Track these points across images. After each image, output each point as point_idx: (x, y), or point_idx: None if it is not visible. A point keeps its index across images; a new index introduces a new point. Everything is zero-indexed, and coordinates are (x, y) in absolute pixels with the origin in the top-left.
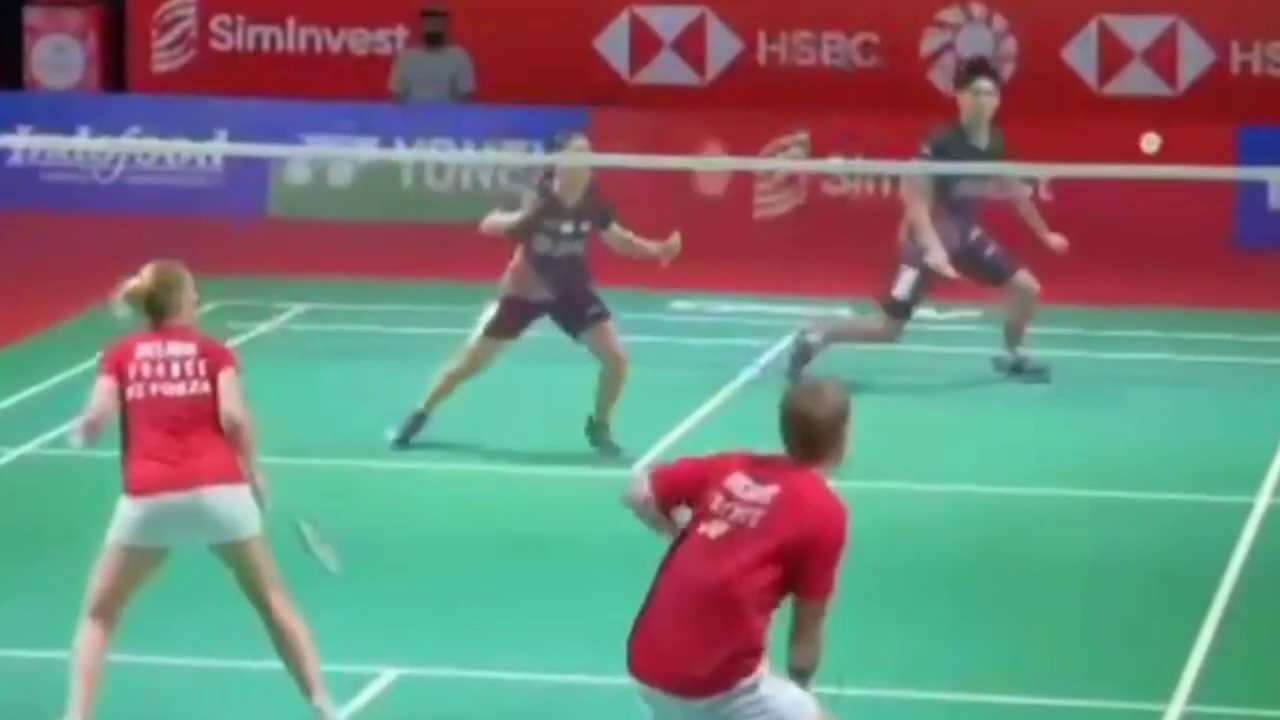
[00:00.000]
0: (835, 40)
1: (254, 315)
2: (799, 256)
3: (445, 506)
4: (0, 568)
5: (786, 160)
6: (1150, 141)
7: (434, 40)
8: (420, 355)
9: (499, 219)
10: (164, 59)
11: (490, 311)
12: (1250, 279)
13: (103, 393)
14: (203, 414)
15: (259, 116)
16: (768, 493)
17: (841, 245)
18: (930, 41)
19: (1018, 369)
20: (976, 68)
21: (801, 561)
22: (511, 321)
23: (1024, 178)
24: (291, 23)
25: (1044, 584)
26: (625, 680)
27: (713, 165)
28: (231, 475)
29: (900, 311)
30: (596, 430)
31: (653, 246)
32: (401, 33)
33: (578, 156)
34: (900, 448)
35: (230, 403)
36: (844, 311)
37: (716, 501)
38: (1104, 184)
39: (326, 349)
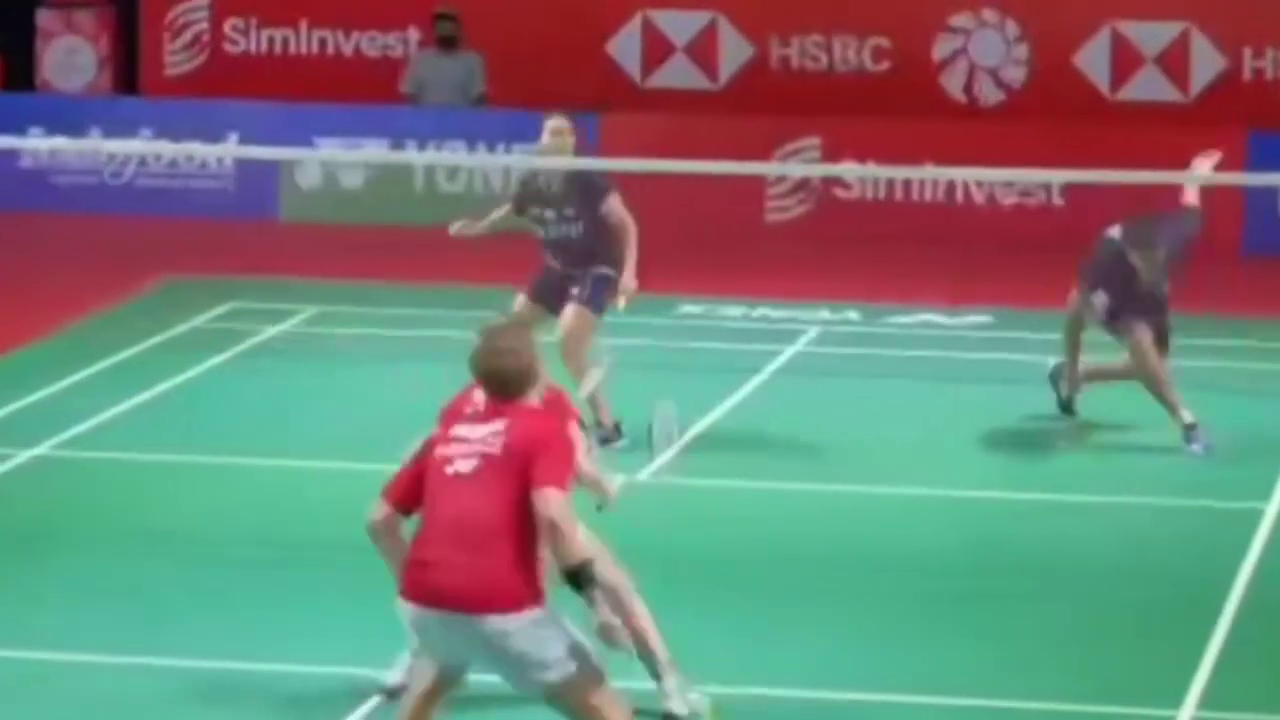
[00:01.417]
0: (847, 44)
1: (265, 318)
2: (810, 261)
3: None
4: (13, 568)
5: (798, 164)
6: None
7: (447, 43)
8: (430, 358)
9: (468, 225)
10: (176, 62)
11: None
12: (1260, 285)
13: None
14: None
15: (271, 119)
16: (501, 423)
17: (852, 250)
18: (942, 47)
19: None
20: None
21: (537, 459)
22: (542, 282)
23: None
24: (304, 25)
25: (1053, 588)
26: (632, 683)
27: (724, 169)
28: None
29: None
30: None
31: (631, 263)
32: (414, 35)
33: (556, 141)
34: (909, 451)
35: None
36: (853, 315)
37: (451, 447)
38: (1116, 190)
39: (337, 351)
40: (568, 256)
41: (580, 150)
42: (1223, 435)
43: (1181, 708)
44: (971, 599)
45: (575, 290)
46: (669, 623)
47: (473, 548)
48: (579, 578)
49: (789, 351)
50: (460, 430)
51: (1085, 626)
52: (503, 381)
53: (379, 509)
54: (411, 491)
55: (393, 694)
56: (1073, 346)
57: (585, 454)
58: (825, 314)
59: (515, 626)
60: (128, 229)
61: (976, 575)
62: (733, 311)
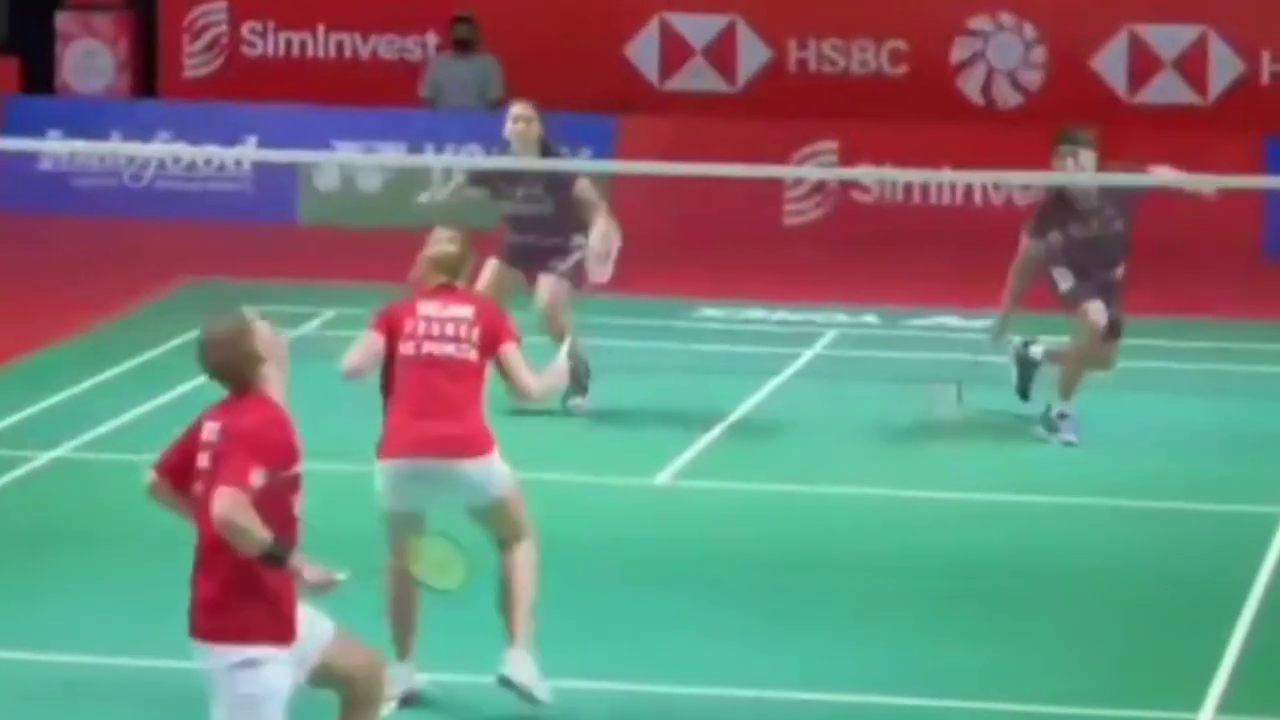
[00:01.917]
0: (865, 48)
1: (283, 320)
2: (827, 264)
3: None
4: (33, 569)
5: (815, 167)
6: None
7: (464, 46)
8: None
9: (432, 196)
10: (195, 65)
11: None
12: (1279, 288)
13: (362, 348)
14: (465, 378)
15: (289, 122)
16: (218, 426)
17: (870, 253)
18: (960, 50)
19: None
20: None
21: (226, 462)
22: (512, 249)
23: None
24: (321, 29)
25: (1072, 591)
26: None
27: (742, 172)
28: (477, 447)
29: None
30: None
31: (599, 228)
32: (431, 39)
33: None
34: (926, 454)
35: (519, 377)
36: (871, 318)
37: (199, 462)
38: None
39: None
40: (539, 232)
41: (596, 154)
42: (1241, 439)
43: (1200, 711)
44: (983, 601)
45: (550, 262)
46: (678, 623)
47: (208, 570)
48: (270, 560)
49: (807, 354)
50: (203, 432)
51: (1102, 630)
52: (227, 372)
53: (147, 478)
54: (175, 462)
55: (405, 700)
56: (1015, 294)
57: (526, 366)
58: (843, 317)
59: (237, 667)
60: (146, 232)
61: (990, 577)
62: (751, 314)
